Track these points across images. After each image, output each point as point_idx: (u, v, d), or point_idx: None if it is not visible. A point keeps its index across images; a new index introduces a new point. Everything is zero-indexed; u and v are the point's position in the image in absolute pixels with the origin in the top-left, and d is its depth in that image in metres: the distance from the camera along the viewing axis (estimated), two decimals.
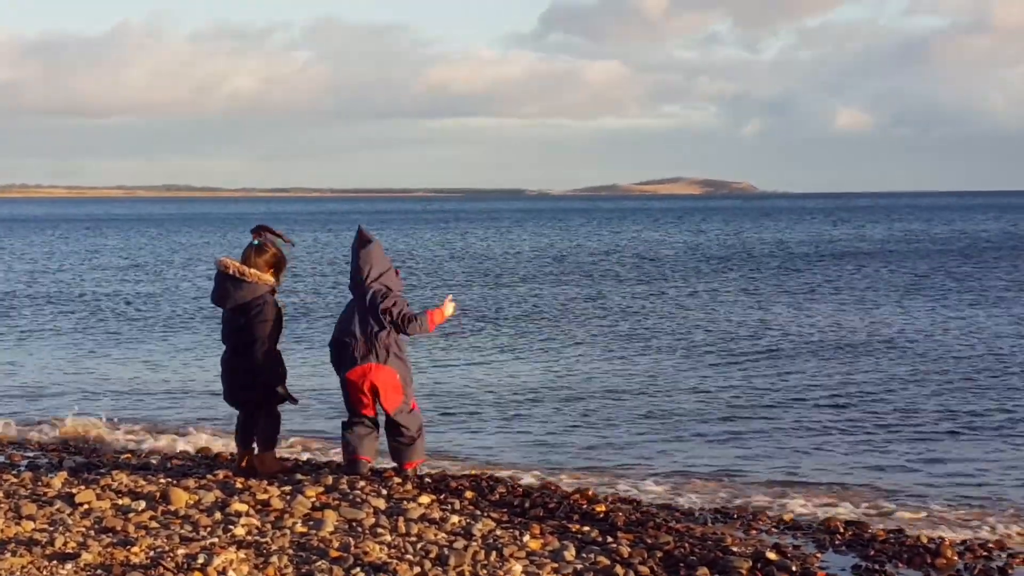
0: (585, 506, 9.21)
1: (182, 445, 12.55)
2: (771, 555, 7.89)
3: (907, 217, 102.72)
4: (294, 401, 10.13)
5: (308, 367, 17.75)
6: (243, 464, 10.09)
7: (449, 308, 10.10)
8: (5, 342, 22.67)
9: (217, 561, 7.17)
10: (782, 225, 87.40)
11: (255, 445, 10.07)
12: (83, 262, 48.73)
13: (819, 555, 8.25)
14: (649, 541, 8.20)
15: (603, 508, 9.14)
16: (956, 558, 8.13)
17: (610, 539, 8.23)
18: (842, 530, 8.95)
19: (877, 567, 7.88)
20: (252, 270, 9.78)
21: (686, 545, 8.17)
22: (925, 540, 8.46)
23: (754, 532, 8.87)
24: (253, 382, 9.83)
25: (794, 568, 7.62)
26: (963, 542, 8.60)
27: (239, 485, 9.43)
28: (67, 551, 7.48)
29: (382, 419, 9.91)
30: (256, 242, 9.96)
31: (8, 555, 7.33)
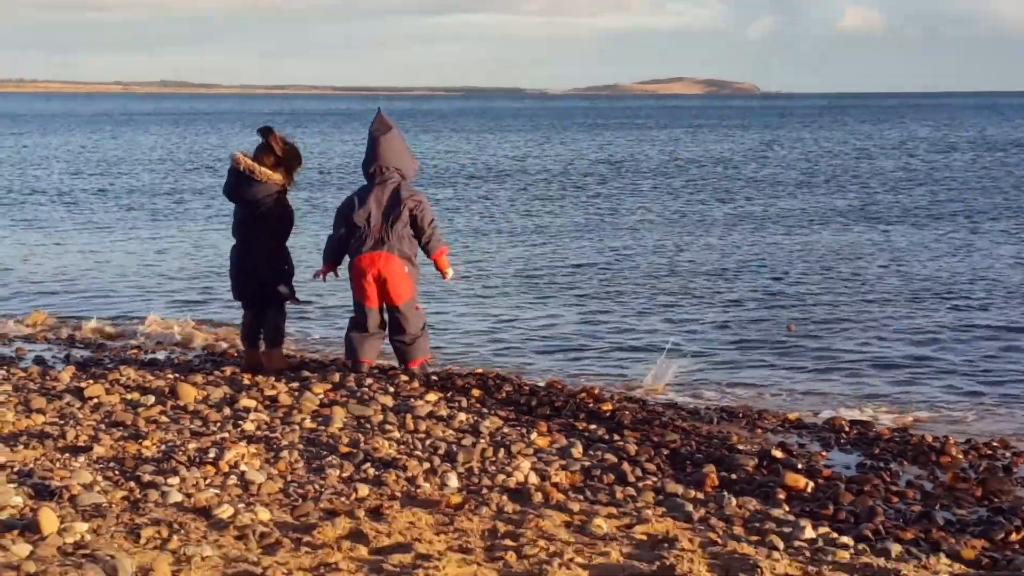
0: (592, 405, 9.26)
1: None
2: (777, 453, 7.96)
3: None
4: (296, 301, 10.15)
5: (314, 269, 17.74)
6: (250, 360, 10.14)
7: (450, 271, 10.02)
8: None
9: (229, 455, 7.23)
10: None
11: (262, 342, 10.12)
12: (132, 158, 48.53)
13: (824, 453, 8.31)
14: (655, 439, 8.27)
15: (609, 407, 9.19)
16: (960, 456, 8.20)
17: (617, 437, 8.29)
18: (847, 429, 9.01)
19: (882, 465, 7.95)
20: (262, 168, 9.75)
21: (692, 443, 8.23)
22: (930, 439, 8.52)
23: (759, 431, 8.94)
24: (260, 278, 9.86)
25: (799, 466, 7.68)
26: (967, 441, 8.66)
27: (247, 381, 9.49)
28: (79, 444, 7.54)
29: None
30: (265, 141, 9.92)
31: (21, 447, 7.40)
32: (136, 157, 49.46)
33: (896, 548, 6.08)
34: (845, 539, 6.25)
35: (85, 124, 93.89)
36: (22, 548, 5.49)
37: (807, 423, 9.28)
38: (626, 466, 7.50)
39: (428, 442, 7.85)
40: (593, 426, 8.59)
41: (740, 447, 8.15)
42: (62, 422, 8.12)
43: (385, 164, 9.76)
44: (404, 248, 9.69)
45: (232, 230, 10.07)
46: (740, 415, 9.42)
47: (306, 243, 18.40)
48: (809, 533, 6.30)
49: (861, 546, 6.15)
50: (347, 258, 9.83)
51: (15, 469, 6.90)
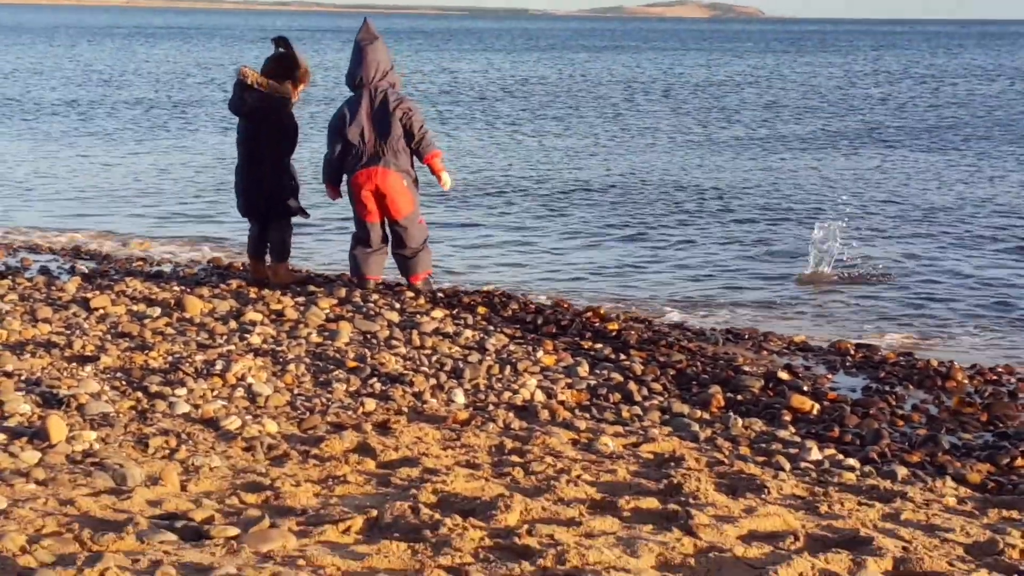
0: (598, 324, 9.26)
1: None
2: (783, 375, 7.96)
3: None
4: (305, 214, 10.13)
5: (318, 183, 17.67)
6: (256, 274, 10.13)
7: (446, 176, 9.93)
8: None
9: (236, 368, 7.23)
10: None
11: (268, 255, 10.11)
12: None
13: (830, 376, 8.31)
14: (661, 359, 8.27)
15: (616, 326, 9.19)
16: (966, 381, 8.20)
17: (623, 356, 8.29)
18: (852, 352, 9.01)
19: (887, 388, 7.95)
20: (269, 80, 9.68)
21: (698, 364, 8.24)
22: (935, 363, 8.52)
23: (765, 353, 8.93)
24: (266, 192, 9.82)
25: (805, 388, 7.69)
26: (973, 366, 8.66)
27: (253, 295, 9.48)
28: (86, 354, 7.54)
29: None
30: (278, 51, 9.84)
31: (28, 356, 7.40)
32: (148, 70, 49.14)
33: (902, 471, 6.10)
34: (851, 461, 6.27)
35: (90, 35, 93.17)
36: (31, 455, 5.50)
37: (812, 346, 9.27)
38: (632, 385, 7.51)
39: (434, 358, 7.86)
40: (599, 345, 8.59)
41: (746, 368, 8.16)
42: (68, 332, 8.12)
43: (372, 73, 9.65)
44: (400, 162, 9.63)
45: (237, 145, 10.00)
46: (746, 336, 9.41)
47: (311, 157, 18.31)
48: (815, 455, 6.32)
49: (867, 468, 6.16)
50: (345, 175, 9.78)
51: (22, 377, 6.91)
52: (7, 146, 22.99)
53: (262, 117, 9.71)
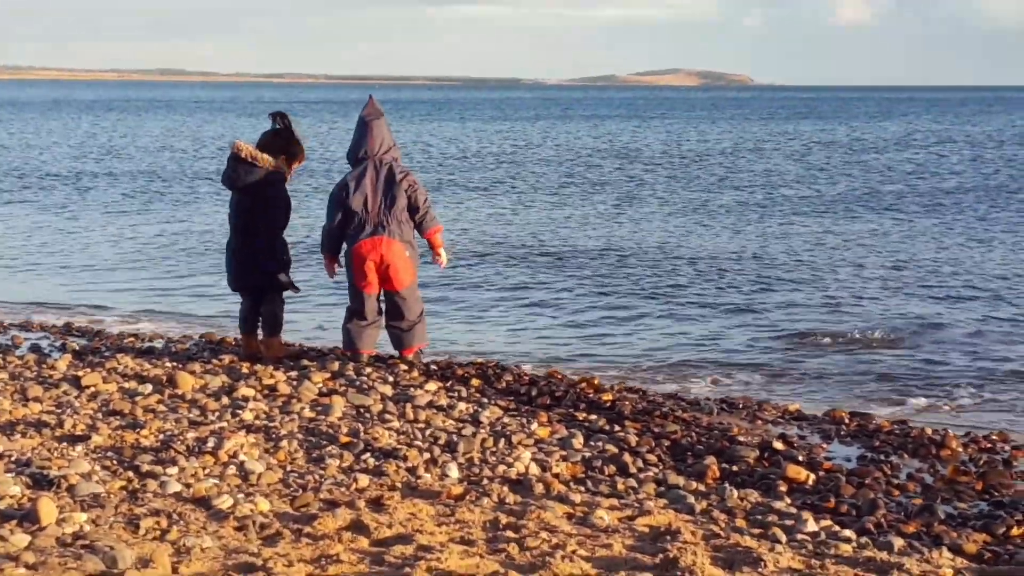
0: (592, 395, 9.23)
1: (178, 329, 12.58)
2: (777, 445, 7.93)
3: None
4: (296, 289, 10.11)
5: (311, 258, 17.71)
6: (248, 349, 10.10)
7: (444, 254, 9.99)
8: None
9: (228, 445, 7.18)
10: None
11: (260, 330, 10.08)
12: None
13: (825, 445, 8.28)
14: (656, 430, 8.23)
15: (610, 397, 9.16)
16: (960, 449, 8.17)
17: (617, 428, 8.26)
18: (847, 421, 8.98)
19: (882, 457, 7.92)
20: (264, 155, 9.70)
21: (693, 434, 8.20)
22: (929, 432, 8.49)
23: (760, 422, 8.91)
24: (259, 267, 9.81)
25: (800, 458, 7.65)
26: (967, 434, 8.63)
27: (245, 370, 9.45)
28: (77, 433, 7.49)
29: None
30: (275, 126, 9.89)
31: (19, 436, 7.35)
32: (141, 144, 49.36)
33: (898, 542, 6.05)
34: (847, 532, 6.22)
35: (85, 110, 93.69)
36: (21, 538, 5.44)
37: (807, 415, 9.25)
38: (627, 457, 7.47)
39: (428, 432, 7.81)
40: (593, 416, 8.55)
41: (741, 438, 8.12)
42: (59, 411, 8.07)
43: (377, 146, 9.70)
44: (404, 232, 9.63)
45: (229, 219, 10.00)
46: (740, 406, 9.39)
47: (305, 229, 18.38)
48: (811, 526, 6.28)
49: (863, 539, 6.11)
50: (344, 245, 9.76)
51: (12, 458, 6.85)
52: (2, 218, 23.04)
53: (255, 191, 9.72)
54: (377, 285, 9.69)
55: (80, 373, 9.14)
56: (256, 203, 9.71)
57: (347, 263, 9.75)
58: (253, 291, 9.97)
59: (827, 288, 15.51)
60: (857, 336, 12.44)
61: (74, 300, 14.74)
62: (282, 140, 9.85)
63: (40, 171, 34.59)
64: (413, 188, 9.62)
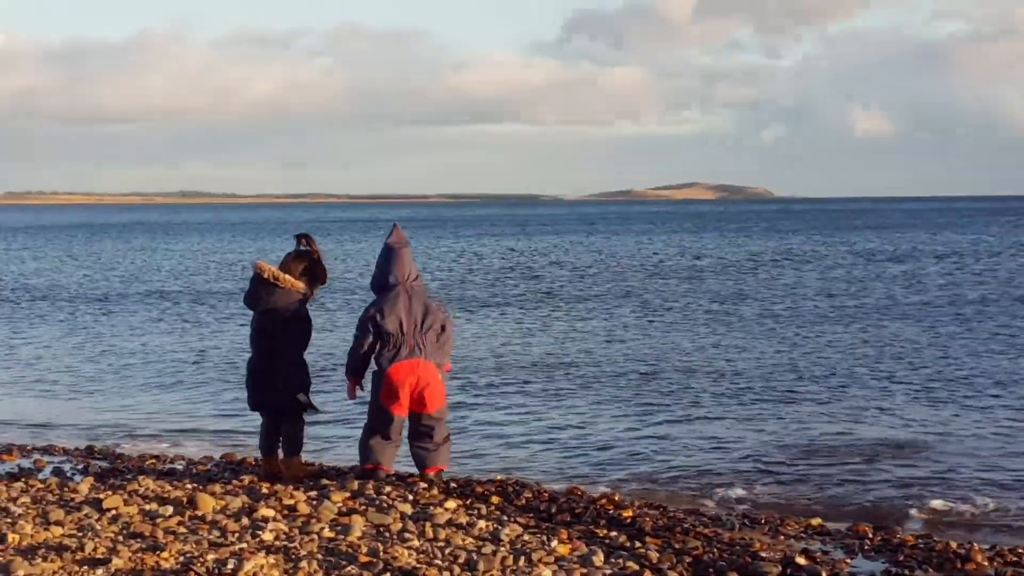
0: (612, 511, 9.19)
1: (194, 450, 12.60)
2: (800, 560, 7.86)
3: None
4: (315, 410, 10.13)
5: (333, 375, 17.77)
6: (268, 469, 10.11)
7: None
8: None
9: (248, 566, 7.17)
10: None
11: (280, 450, 10.10)
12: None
13: (848, 560, 8.20)
14: (677, 546, 8.18)
15: (630, 513, 9.12)
16: (986, 563, 8.08)
17: (638, 544, 8.21)
18: (870, 535, 8.91)
19: (907, 572, 7.84)
20: (287, 276, 9.81)
21: (715, 550, 8.14)
22: (955, 546, 8.41)
23: (782, 537, 8.84)
24: (280, 388, 9.85)
25: (823, 573, 7.58)
26: (992, 547, 8.54)
27: (265, 490, 9.45)
28: (97, 556, 7.49)
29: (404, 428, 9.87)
30: (300, 248, 10.01)
31: (40, 560, 7.35)
32: (166, 267, 49.86)
33: None
34: None
35: (112, 232, 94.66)
36: None
37: (830, 529, 9.18)
38: (648, 574, 7.42)
39: (448, 550, 7.79)
40: (614, 533, 8.51)
41: (763, 554, 8.06)
42: (80, 534, 8.07)
43: (406, 273, 9.80)
44: (438, 356, 9.71)
45: (250, 340, 10.08)
46: (762, 521, 9.33)
47: (326, 346, 18.44)
48: None
49: None
50: (373, 366, 9.76)
51: None
52: (26, 338, 23.20)
53: (277, 312, 9.80)
54: (407, 408, 9.70)
55: (102, 496, 9.16)
56: (277, 324, 9.79)
57: (375, 385, 9.76)
58: (273, 411, 10.01)
59: (851, 396, 15.47)
60: (881, 445, 12.37)
61: (97, 421, 14.79)
62: (305, 261, 9.97)
63: (59, 293, 34.90)
64: (447, 321, 9.77)
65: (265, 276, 9.81)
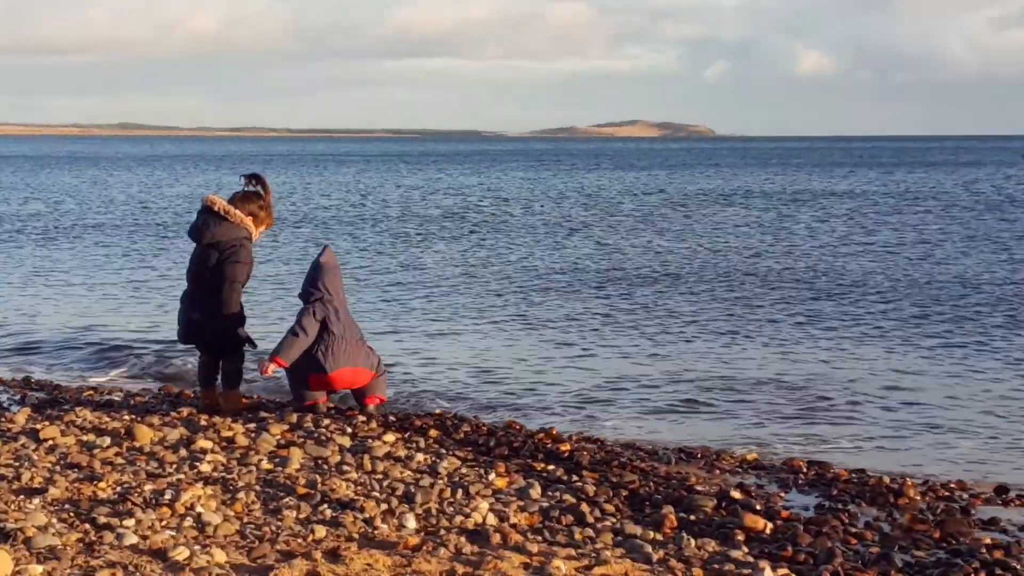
0: (550, 445, 9.25)
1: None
2: (735, 494, 7.97)
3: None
4: (253, 345, 10.04)
5: (272, 313, 17.70)
6: (207, 401, 10.08)
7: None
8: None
9: (185, 497, 7.17)
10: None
11: (219, 383, 10.06)
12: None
13: (783, 494, 8.33)
14: (614, 480, 8.26)
15: (568, 447, 9.19)
16: (918, 498, 8.24)
17: (575, 478, 8.28)
18: (805, 470, 9.04)
19: (840, 506, 7.97)
20: (237, 211, 9.74)
21: (651, 484, 8.23)
22: (887, 480, 8.56)
23: (717, 472, 8.95)
24: (220, 322, 9.77)
25: (758, 507, 7.69)
26: (925, 482, 8.70)
27: (203, 422, 9.42)
28: (34, 486, 7.46)
29: None
30: (248, 188, 9.92)
31: None
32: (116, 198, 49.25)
33: None
34: None
35: (56, 165, 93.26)
36: None
37: (765, 464, 9.31)
38: (585, 507, 7.49)
39: (386, 483, 7.82)
40: (551, 467, 8.57)
41: (698, 488, 8.16)
42: (17, 464, 8.02)
43: (336, 289, 9.77)
44: (371, 361, 9.86)
45: (187, 273, 9.98)
46: (698, 455, 9.44)
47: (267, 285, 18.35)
48: (768, 575, 6.31)
49: None
50: (302, 361, 9.66)
51: None
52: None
53: (223, 246, 9.71)
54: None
55: (39, 426, 9.09)
56: (222, 258, 9.70)
57: (307, 370, 9.70)
58: (208, 345, 9.95)
59: (789, 331, 15.63)
60: (818, 379, 12.53)
61: (31, 356, 14.66)
62: (254, 202, 9.89)
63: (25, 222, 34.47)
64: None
65: (215, 208, 9.72)
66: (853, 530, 7.39)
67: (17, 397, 11.18)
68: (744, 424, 11.10)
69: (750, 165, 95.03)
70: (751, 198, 48.13)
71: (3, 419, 9.58)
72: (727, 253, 26.70)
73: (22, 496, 7.22)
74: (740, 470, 9.07)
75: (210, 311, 9.76)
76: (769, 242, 29.27)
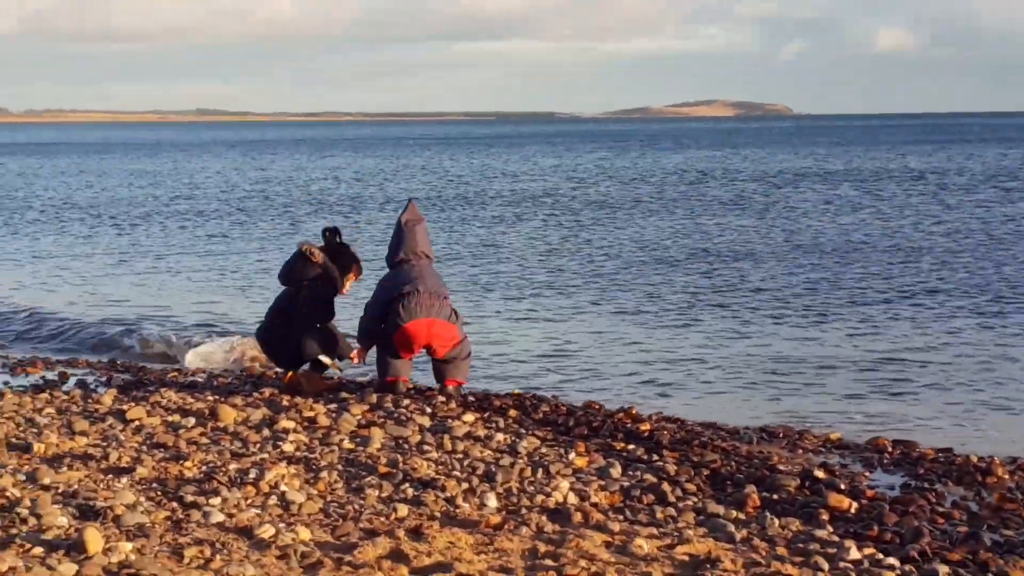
0: (629, 424, 9.23)
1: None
2: (819, 473, 7.89)
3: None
4: (340, 370, 10.27)
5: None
6: (288, 382, 10.19)
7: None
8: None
9: (269, 476, 7.25)
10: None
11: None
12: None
13: (867, 474, 8.25)
14: (695, 459, 8.22)
15: (648, 427, 9.16)
16: (1007, 476, 8.11)
17: (656, 457, 8.26)
18: (890, 449, 8.94)
19: (927, 485, 7.87)
20: (328, 261, 10.15)
21: (732, 463, 8.18)
22: (975, 459, 8.44)
23: (800, 451, 8.88)
24: (303, 354, 10.09)
25: (842, 486, 7.61)
26: (1013, 460, 8.56)
27: (286, 403, 9.52)
28: (122, 465, 7.58)
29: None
30: (335, 241, 10.33)
31: (65, 469, 7.44)
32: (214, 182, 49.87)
33: (943, 569, 6.02)
34: (891, 560, 6.19)
35: (146, 152, 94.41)
36: (68, 568, 5.52)
37: (849, 443, 9.21)
38: (666, 486, 7.46)
39: (466, 462, 7.85)
40: (631, 446, 8.55)
41: (781, 467, 8.10)
42: (105, 444, 8.16)
43: (421, 250, 10.00)
44: (447, 312, 9.86)
45: (277, 311, 10.23)
46: (780, 435, 9.36)
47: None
48: (854, 554, 6.25)
49: (907, 567, 6.09)
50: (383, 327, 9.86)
51: (60, 490, 6.94)
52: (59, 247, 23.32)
53: (313, 292, 10.03)
54: (415, 354, 9.97)
55: (125, 407, 9.25)
56: (311, 303, 10.04)
57: (388, 332, 9.83)
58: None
59: (876, 314, 15.44)
60: (904, 362, 12.38)
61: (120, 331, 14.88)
62: (343, 258, 10.26)
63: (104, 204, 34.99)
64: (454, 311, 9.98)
65: (313, 259, 10.08)
66: (940, 509, 7.30)
67: (103, 379, 11.37)
68: (826, 403, 10.99)
69: (832, 144, 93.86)
70: (833, 178, 47.55)
71: (90, 400, 9.75)
72: (810, 232, 26.42)
73: (111, 475, 7.34)
74: (823, 449, 8.99)
75: (297, 344, 10.11)
76: (853, 221, 28.91)
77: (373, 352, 10.06)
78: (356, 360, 10.25)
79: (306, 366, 10.26)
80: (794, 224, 28.37)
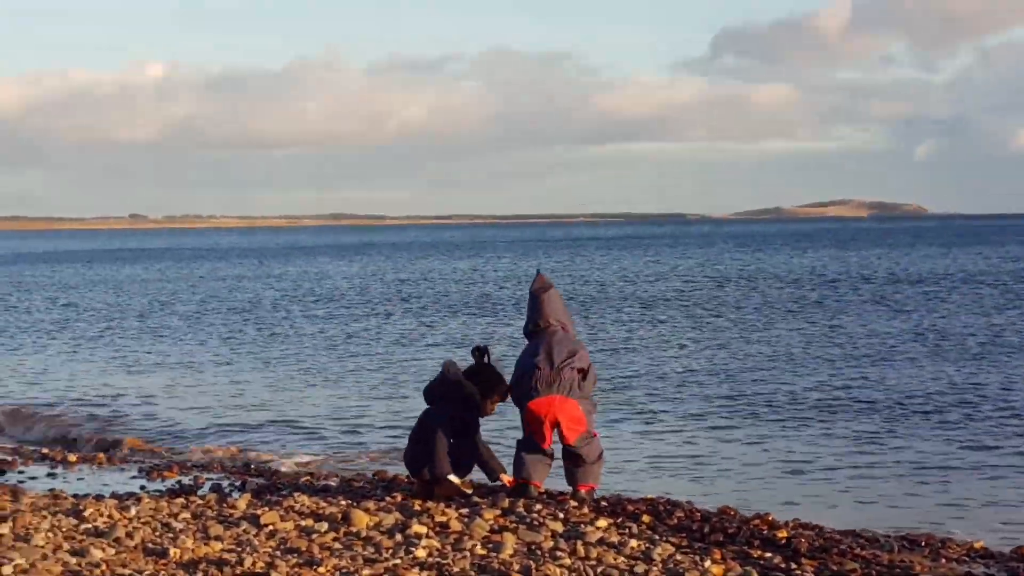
0: (766, 531, 9.04)
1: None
2: None
3: None
4: (464, 495, 10.16)
5: None
6: (419, 486, 10.21)
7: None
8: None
9: None
10: None
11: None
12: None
13: None
14: (834, 568, 8.01)
15: (785, 533, 8.96)
16: None
17: (794, 566, 8.07)
18: None
19: None
20: (468, 383, 10.12)
21: (873, 573, 7.95)
22: None
23: (943, 560, 8.59)
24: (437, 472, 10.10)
25: None
26: None
27: (417, 507, 9.53)
28: (256, 570, 7.64)
29: (557, 447, 9.92)
30: (481, 361, 10.27)
31: (200, 574, 7.52)
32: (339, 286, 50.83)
33: None
34: None
35: (296, 257, 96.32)
36: None
37: (994, 551, 8.90)
38: None
39: (599, 569, 7.76)
40: (768, 554, 8.37)
41: None
42: (239, 549, 8.24)
43: (550, 318, 10.06)
44: (576, 389, 9.82)
45: (421, 426, 10.25)
46: (922, 543, 9.09)
47: None
48: None
49: None
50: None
51: None
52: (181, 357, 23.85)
53: (451, 410, 10.07)
54: (550, 440, 9.88)
55: (259, 512, 9.34)
56: (450, 419, 10.02)
57: (521, 419, 9.97)
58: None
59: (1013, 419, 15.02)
60: None
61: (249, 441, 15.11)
62: (488, 379, 10.20)
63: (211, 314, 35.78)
64: (590, 369, 9.94)
65: (450, 376, 10.12)
66: None
67: (238, 483, 11.52)
68: (969, 509, 10.66)
69: (968, 243, 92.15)
70: (973, 280, 46.58)
71: (225, 505, 9.87)
72: (954, 335, 25.87)
73: None
74: (967, 558, 8.69)
75: (432, 459, 10.05)
76: (1001, 322, 28.21)
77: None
78: (509, 483, 10.12)
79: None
80: (939, 324, 27.78)
